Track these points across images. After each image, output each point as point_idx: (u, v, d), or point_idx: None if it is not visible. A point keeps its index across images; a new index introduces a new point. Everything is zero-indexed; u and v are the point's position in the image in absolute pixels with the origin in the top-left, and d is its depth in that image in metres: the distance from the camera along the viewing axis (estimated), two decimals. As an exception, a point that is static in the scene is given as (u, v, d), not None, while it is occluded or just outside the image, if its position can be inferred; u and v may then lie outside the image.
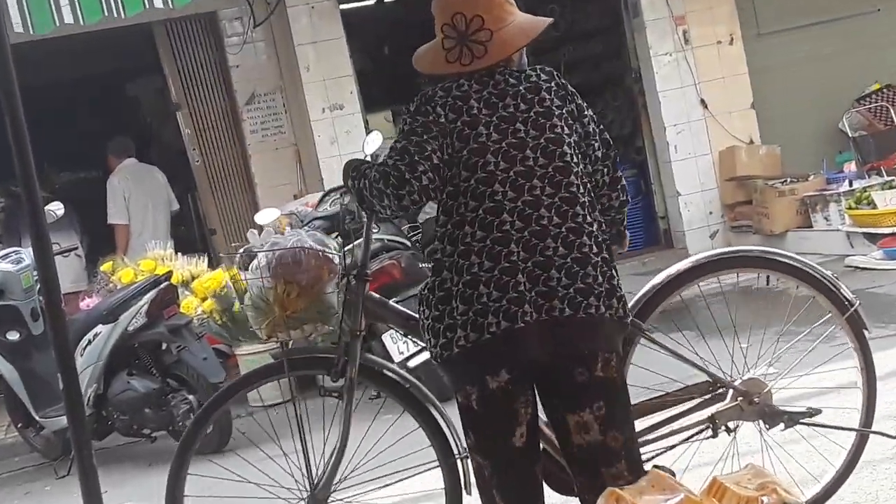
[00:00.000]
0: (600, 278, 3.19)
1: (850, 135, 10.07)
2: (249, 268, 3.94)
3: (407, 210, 3.31)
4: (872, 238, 8.74)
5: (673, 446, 3.92)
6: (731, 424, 3.92)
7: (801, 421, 3.97)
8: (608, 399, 3.21)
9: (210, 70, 10.20)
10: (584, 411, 3.19)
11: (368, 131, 8.71)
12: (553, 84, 3.30)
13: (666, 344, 3.89)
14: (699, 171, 10.37)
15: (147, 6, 7.58)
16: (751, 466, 3.28)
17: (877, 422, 4.83)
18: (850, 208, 8.95)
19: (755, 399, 3.90)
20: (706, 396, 3.92)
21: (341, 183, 8.36)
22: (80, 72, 11.79)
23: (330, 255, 3.84)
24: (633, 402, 3.72)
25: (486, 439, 3.27)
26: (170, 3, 7.64)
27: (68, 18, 7.51)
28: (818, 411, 3.96)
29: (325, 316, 3.85)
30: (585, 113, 3.36)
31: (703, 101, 10.33)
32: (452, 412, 3.64)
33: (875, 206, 8.67)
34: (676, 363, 3.94)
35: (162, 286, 6.94)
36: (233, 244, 7.32)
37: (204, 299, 7.69)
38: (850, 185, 9.30)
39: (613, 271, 3.26)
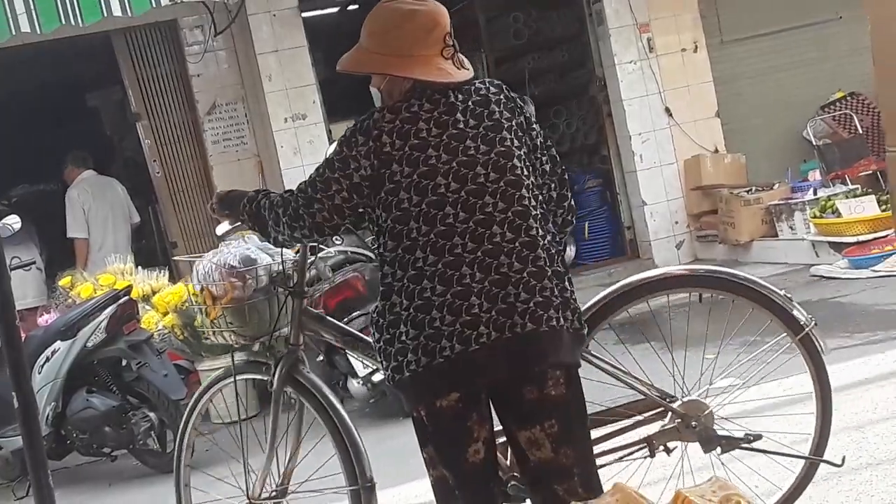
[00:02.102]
0: (556, 290, 3.17)
1: (815, 143, 10.09)
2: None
3: (300, 241, 3.47)
4: (837, 247, 8.76)
5: (608, 464, 3.84)
6: (670, 445, 3.84)
7: (741, 446, 3.84)
8: (560, 416, 3.19)
9: (170, 80, 10.09)
10: (535, 428, 3.18)
11: (331, 141, 8.75)
12: (502, 96, 3.28)
13: (607, 360, 3.80)
14: (664, 180, 10.36)
15: (105, 14, 7.43)
16: (715, 479, 3.26)
17: (843, 431, 4.76)
18: (815, 217, 8.97)
19: (693, 423, 3.80)
20: (644, 416, 3.84)
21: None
22: (39, 83, 11.63)
23: (241, 273, 3.95)
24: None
25: (442, 453, 3.27)
26: (128, 10, 7.49)
27: (25, 27, 7.37)
28: (758, 436, 3.83)
29: (242, 328, 3.99)
30: (534, 126, 3.33)
31: (667, 110, 10.32)
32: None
33: (840, 215, 8.69)
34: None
35: (122, 301, 6.85)
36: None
37: (165, 314, 7.62)
38: (815, 193, 9.32)
39: (566, 283, 3.24)
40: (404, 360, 3.14)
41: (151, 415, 6.66)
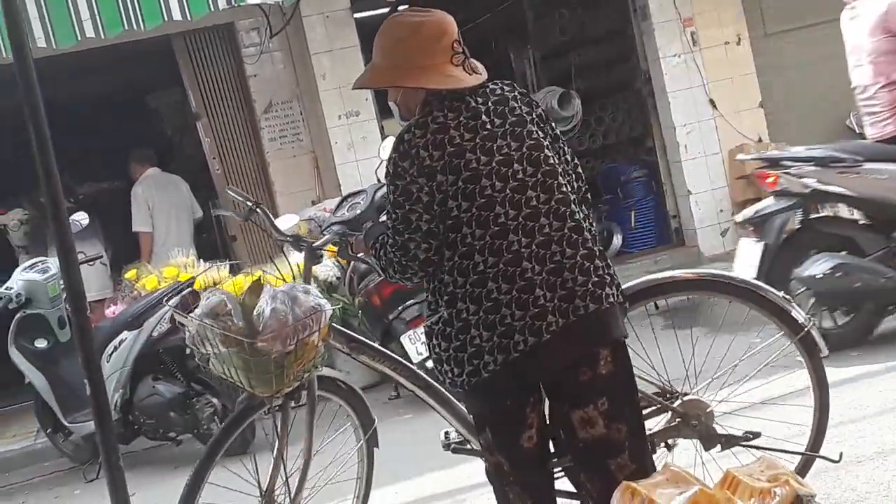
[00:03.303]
0: (604, 269, 3.30)
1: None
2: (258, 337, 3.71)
3: (414, 281, 3.43)
4: (881, 232, 8.77)
5: None
6: (670, 442, 3.89)
7: (740, 444, 3.90)
8: (611, 394, 3.29)
9: (228, 80, 10.33)
10: (589, 407, 3.28)
11: (384, 137, 9.00)
12: (517, 93, 3.38)
13: None
14: (709, 170, 10.48)
15: (166, 19, 7.68)
16: (763, 459, 3.32)
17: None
18: (856, 204, 8.99)
19: (693, 421, 3.85)
20: (645, 413, 3.80)
21: (358, 188, 8.58)
22: (103, 85, 11.97)
23: (322, 308, 3.84)
24: None
25: (499, 440, 3.40)
26: (188, 14, 7.75)
27: (90, 32, 7.62)
28: (757, 434, 3.89)
29: (321, 358, 3.95)
30: (550, 121, 3.43)
31: (711, 101, 10.43)
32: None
33: (882, 202, 8.71)
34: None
35: (185, 292, 7.07)
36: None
37: (226, 305, 7.81)
38: (858, 181, 9.34)
39: (608, 260, 3.37)
40: (480, 362, 3.21)
41: (214, 401, 6.88)
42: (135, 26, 7.70)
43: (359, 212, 7.70)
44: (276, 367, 3.70)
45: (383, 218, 7.66)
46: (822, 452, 4.07)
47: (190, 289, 7.20)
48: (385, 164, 3.37)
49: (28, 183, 6.89)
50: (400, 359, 4.18)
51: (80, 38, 7.70)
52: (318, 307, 3.76)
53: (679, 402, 3.88)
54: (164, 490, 6.58)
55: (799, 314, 3.99)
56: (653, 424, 3.83)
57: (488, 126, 3.27)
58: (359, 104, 9.97)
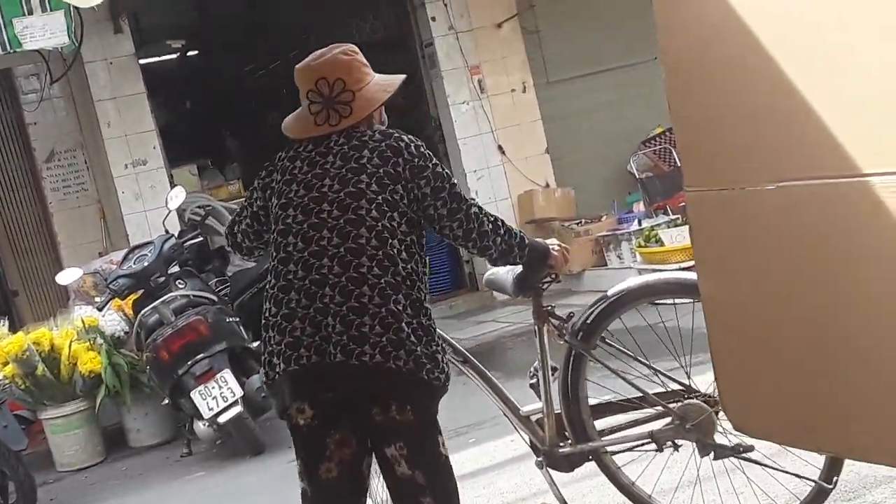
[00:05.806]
0: (379, 328, 3.21)
1: (638, 176, 10.52)
2: None
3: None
4: (662, 274, 9.11)
5: (619, 452, 4.04)
6: (678, 442, 3.95)
7: (733, 455, 3.85)
8: (407, 440, 3.30)
9: (6, 128, 10.03)
10: (391, 447, 3.31)
11: (173, 186, 8.83)
12: (384, 145, 3.40)
13: (622, 349, 4.03)
14: (499, 214, 10.36)
15: None
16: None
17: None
18: (640, 246, 9.33)
19: (688, 425, 3.86)
20: (646, 414, 3.97)
21: (146, 239, 8.36)
22: None
23: None
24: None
25: (301, 466, 3.42)
26: (-40, 59, 7.50)
27: None
28: (750, 448, 3.78)
29: None
30: (425, 174, 3.40)
31: (500, 148, 10.70)
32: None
33: (663, 244, 9.06)
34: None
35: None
36: None
37: (5, 364, 7.52)
38: (640, 224, 9.71)
39: (403, 324, 3.24)
40: (263, 372, 3.41)
41: (-6, 472, 6.56)
42: None
43: (146, 264, 7.60)
44: None
45: (173, 269, 7.56)
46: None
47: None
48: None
49: None
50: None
51: None
52: None
53: (679, 405, 3.92)
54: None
55: None
56: (657, 424, 3.95)
57: (328, 165, 3.41)
58: (146, 152, 9.79)
